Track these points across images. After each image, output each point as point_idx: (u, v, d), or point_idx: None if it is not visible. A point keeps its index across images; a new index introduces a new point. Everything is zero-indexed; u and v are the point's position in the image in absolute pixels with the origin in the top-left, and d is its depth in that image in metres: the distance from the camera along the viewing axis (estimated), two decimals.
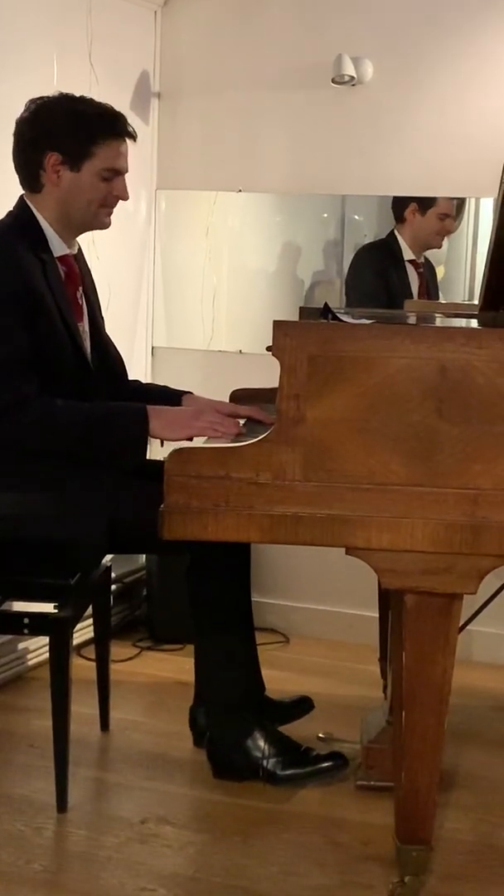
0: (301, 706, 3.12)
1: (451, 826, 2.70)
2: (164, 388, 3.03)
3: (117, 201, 2.80)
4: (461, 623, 2.27)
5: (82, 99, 2.77)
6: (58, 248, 2.77)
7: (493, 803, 2.84)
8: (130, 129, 2.78)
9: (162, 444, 2.71)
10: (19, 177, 2.78)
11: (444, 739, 2.26)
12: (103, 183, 2.74)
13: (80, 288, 2.85)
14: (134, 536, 2.69)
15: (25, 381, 2.61)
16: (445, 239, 3.96)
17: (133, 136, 2.79)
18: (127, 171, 2.79)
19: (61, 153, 2.70)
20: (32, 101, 2.75)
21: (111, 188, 2.76)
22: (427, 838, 2.31)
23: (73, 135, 2.70)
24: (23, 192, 2.79)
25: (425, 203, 3.89)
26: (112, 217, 2.83)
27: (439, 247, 3.97)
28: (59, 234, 2.77)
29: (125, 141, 2.77)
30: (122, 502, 2.69)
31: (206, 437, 2.55)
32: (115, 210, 2.83)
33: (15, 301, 2.62)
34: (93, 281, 2.96)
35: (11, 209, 2.79)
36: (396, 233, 3.95)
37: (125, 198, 2.80)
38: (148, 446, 2.64)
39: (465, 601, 2.23)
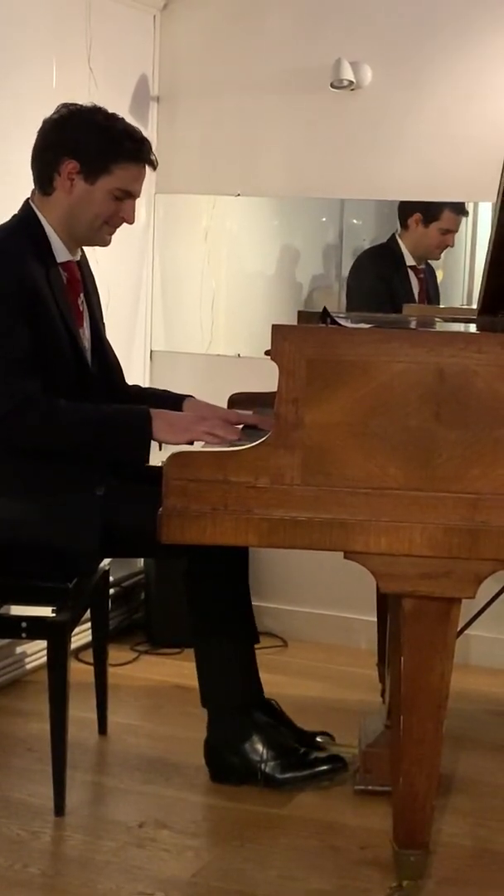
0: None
1: (449, 830, 2.70)
2: (166, 393, 3.03)
3: (122, 223, 2.81)
4: (459, 627, 2.27)
5: (114, 116, 2.78)
6: (61, 254, 2.78)
7: (491, 807, 2.84)
8: (153, 157, 2.81)
9: (161, 448, 2.71)
10: (33, 175, 2.78)
11: (442, 743, 2.26)
12: (114, 202, 2.75)
13: (82, 294, 2.86)
14: (130, 540, 2.69)
15: (29, 380, 2.62)
16: None
17: (154, 165, 2.83)
18: (139, 196, 2.81)
19: (80, 162, 2.70)
20: (65, 105, 2.77)
21: (119, 208, 2.77)
22: (425, 843, 2.30)
23: (97, 148, 2.71)
24: (28, 196, 2.80)
25: (429, 216, 3.88)
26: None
27: (437, 258, 3.98)
28: (63, 240, 2.78)
29: (145, 167, 2.79)
30: (117, 506, 2.70)
31: (204, 443, 2.56)
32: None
33: (17, 300, 2.63)
34: (95, 287, 2.97)
35: (16, 213, 2.80)
36: (398, 237, 3.95)
37: (131, 221, 2.82)
38: (150, 448, 2.65)
39: (463, 605, 2.23)
